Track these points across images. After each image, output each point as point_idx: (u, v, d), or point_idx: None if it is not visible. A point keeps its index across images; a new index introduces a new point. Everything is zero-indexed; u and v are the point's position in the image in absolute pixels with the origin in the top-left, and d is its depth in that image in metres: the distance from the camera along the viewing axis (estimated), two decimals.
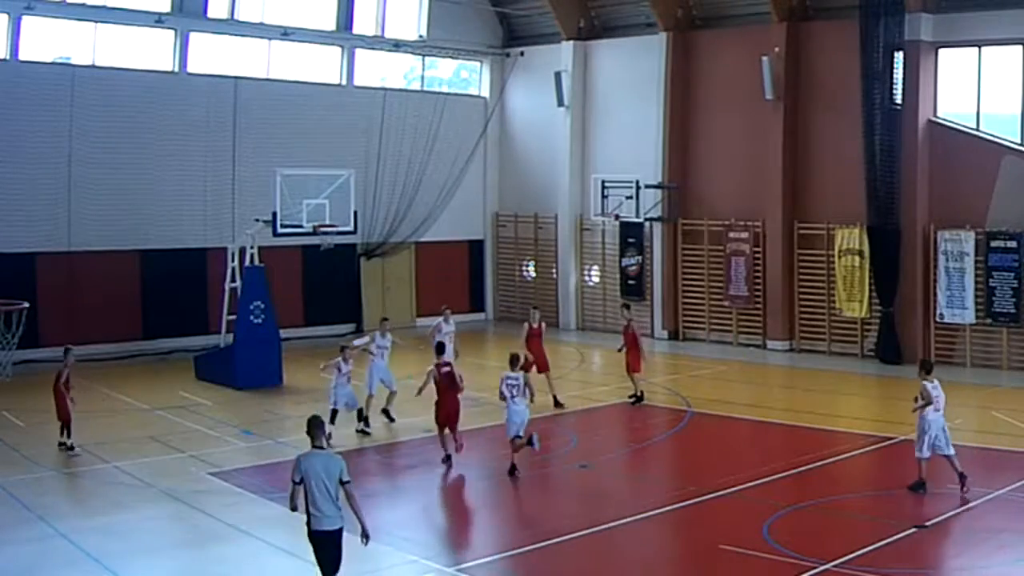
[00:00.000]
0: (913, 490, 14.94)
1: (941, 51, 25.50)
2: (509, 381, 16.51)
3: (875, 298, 26.15)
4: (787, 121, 27.58)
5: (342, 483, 10.41)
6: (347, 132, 30.79)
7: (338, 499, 10.39)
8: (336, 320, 30.21)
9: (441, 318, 22.66)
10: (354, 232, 26.36)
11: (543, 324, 22.12)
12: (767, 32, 27.72)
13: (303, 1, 30.40)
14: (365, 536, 10.53)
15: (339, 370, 18.79)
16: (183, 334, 27.56)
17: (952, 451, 14.94)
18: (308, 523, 10.42)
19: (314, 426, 10.70)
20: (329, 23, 30.95)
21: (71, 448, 17.64)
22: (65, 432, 17.77)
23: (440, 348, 17.74)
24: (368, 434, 19.06)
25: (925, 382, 15.13)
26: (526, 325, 21.93)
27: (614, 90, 31.72)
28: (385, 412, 19.92)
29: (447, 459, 17.01)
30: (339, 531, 10.41)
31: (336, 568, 10.51)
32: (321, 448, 10.61)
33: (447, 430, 17.05)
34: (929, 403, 14.87)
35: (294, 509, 10.54)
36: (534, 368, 20.73)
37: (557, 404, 21.21)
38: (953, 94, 25.54)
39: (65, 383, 17.86)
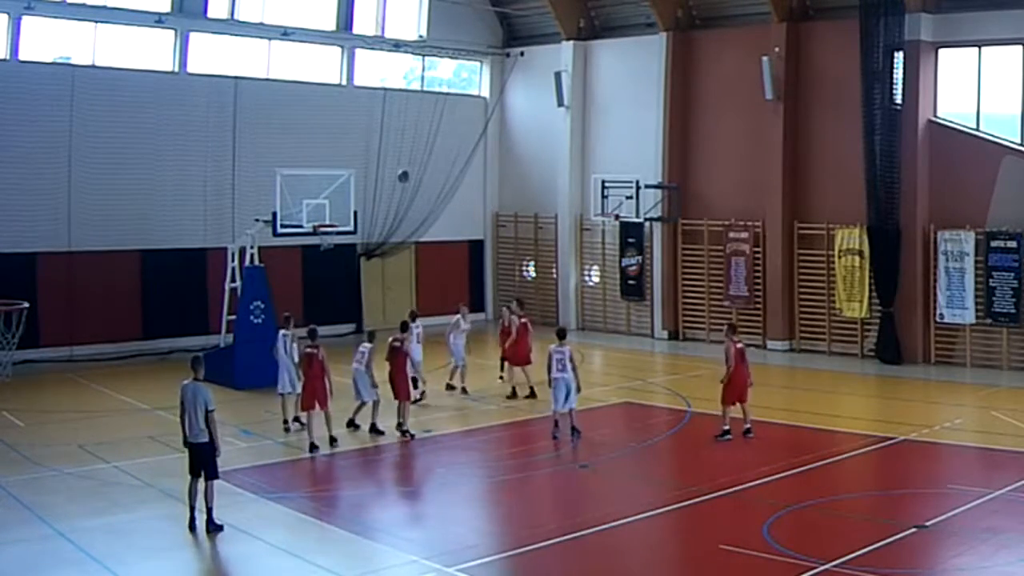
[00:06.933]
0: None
1: (941, 51, 25.50)
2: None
3: (875, 298, 26.14)
4: (787, 121, 27.57)
5: (208, 411, 13.37)
6: (347, 132, 30.78)
7: (204, 420, 13.40)
8: (336, 320, 30.15)
9: (459, 315, 22.95)
10: (354, 232, 26.41)
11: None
12: (767, 32, 27.72)
13: (303, 1, 30.39)
14: (216, 449, 13.67)
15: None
16: (183, 334, 27.53)
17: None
18: (184, 436, 13.65)
19: (195, 360, 13.92)
20: (329, 23, 30.94)
21: None
22: None
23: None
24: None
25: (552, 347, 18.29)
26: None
27: (614, 90, 31.71)
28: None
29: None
30: (205, 444, 13.52)
31: (208, 471, 13.55)
32: (198, 380, 13.64)
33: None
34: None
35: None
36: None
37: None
38: (953, 94, 25.53)
39: None
